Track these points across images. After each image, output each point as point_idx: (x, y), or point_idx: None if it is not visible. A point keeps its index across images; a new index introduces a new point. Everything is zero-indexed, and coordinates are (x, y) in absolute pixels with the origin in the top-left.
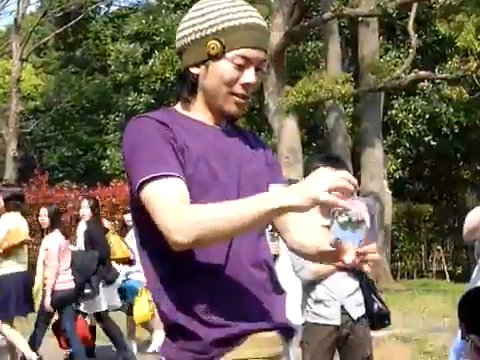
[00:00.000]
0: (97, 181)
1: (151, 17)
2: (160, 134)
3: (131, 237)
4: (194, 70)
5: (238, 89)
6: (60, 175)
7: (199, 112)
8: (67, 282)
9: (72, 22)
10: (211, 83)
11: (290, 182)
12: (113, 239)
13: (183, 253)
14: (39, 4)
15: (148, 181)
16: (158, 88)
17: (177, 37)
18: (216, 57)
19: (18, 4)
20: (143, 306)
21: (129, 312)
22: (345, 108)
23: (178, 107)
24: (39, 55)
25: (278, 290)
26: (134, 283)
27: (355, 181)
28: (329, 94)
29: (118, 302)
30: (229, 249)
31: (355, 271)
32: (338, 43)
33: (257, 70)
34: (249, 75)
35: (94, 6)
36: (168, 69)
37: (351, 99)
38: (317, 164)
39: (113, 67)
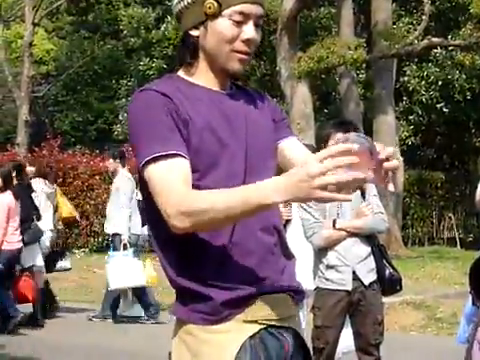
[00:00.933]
0: (109, 146)
1: None
2: (163, 108)
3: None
4: (194, 32)
5: (240, 46)
6: (72, 140)
7: (202, 76)
8: (15, 243)
9: None
10: (212, 42)
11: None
12: (59, 200)
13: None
14: None
15: (151, 160)
16: (170, 53)
17: (174, 2)
18: (214, 16)
19: None
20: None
21: None
22: (357, 74)
23: (181, 73)
24: (51, 19)
25: (288, 255)
26: None
27: (353, 147)
28: (341, 60)
29: (39, 262)
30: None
31: (367, 237)
32: (351, 9)
33: (257, 26)
34: (249, 30)
35: None
36: (180, 34)
37: (363, 65)
38: (330, 130)
39: (125, 32)
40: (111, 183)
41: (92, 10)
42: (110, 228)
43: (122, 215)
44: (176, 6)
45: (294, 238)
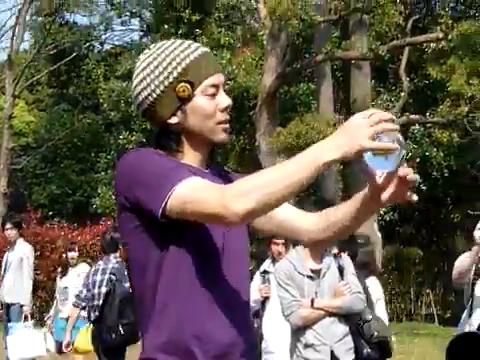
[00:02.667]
0: (87, 219)
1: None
2: (162, 156)
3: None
4: (172, 120)
5: (221, 117)
6: (50, 213)
7: (187, 157)
8: None
9: (65, 60)
10: (194, 123)
11: None
12: None
13: (174, 293)
14: (32, 41)
15: (172, 193)
16: (149, 127)
17: (138, 101)
18: (188, 98)
19: (12, 40)
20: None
21: None
22: None
23: (165, 153)
24: (32, 92)
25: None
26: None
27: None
28: (320, 136)
29: None
30: (220, 291)
31: (345, 316)
32: (330, 85)
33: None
34: (223, 99)
35: (88, 44)
36: (156, 128)
37: None
38: (308, 208)
39: (105, 105)
40: (89, 256)
41: (72, 83)
42: (8, 298)
43: (26, 285)
44: (143, 103)
45: (273, 316)
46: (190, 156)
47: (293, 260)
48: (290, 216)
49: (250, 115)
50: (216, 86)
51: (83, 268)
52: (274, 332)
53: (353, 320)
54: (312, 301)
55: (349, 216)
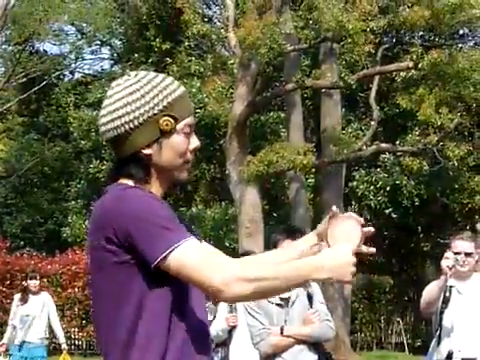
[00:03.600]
0: (57, 248)
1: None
2: (158, 204)
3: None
4: (147, 151)
5: (189, 156)
6: (21, 242)
7: (153, 188)
8: None
9: (35, 88)
10: (166, 158)
11: (247, 254)
12: None
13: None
14: (2, 69)
15: (172, 251)
16: None
17: (111, 126)
18: (169, 132)
19: None
20: None
21: None
22: (307, 179)
23: (131, 183)
24: (2, 120)
25: None
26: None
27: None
28: (290, 165)
29: None
30: (196, 325)
31: (314, 344)
32: (300, 114)
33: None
34: (195, 140)
35: (58, 73)
36: (125, 154)
37: (312, 170)
38: (278, 236)
39: (75, 134)
40: (59, 285)
41: (42, 112)
42: None
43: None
44: (119, 128)
45: (240, 344)
46: (155, 189)
47: None
48: None
49: (220, 144)
50: (191, 126)
51: (46, 297)
52: None
53: (322, 348)
54: (281, 329)
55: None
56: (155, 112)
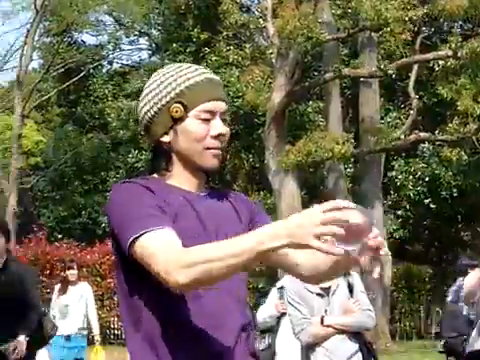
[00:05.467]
0: (94, 239)
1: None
2: (144, 194)
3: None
4: (165, 139)
5: (210, 142)
6: (59, 235)
7: (177, 179)
8: None
9: (74, 79)
10: (183, 144)
11: None
12: None
13: (166, 319)
14: (41, 61)
15: (139, 237)
16: None
17: (139, 117)
18: (181, 119)
19: (20, 60)
20: None
21: None
22: (345, 168)
23: (155, 175)
24: (41, 111)
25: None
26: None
27: (355, 220)
28: (329, 154)
29: None
30: (211, 317)
31: (354, 334)
32: (339, 103)
33: (223, 121)
34: (217, 126)
35: (96, 63)
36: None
37: (351, 159)
38: None
39: (113, 125)
40: (97, 275)
41: (80, 103)
42: None
43: None
44: (143, 120)
45: (287, 332)
46: (182, 179)
47: None
48: (284, 252)
49: (259, 133)
50: (211, 112)
51: (84, 287)
52: (287, 348)
53: (363, 338)
54: (322, 318)
55: (325, 261)
56: (167, 100)
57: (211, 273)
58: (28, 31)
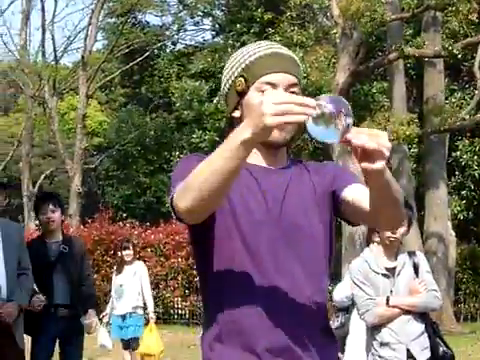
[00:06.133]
0: (159, 219)
1: (217, 55)
2: (192, 162)
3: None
4: (235, 114)
5: None
6: (124, 214)
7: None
8: None
9: (138, 60)
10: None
11: None
12: None
13: (227, 291)
14: (105, 41)
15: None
16: (223, 126)
17: (220, 93)
18: (244, 92)
19: (85, 41)
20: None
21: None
22: (409, 148)
23: None
24: (105, 92)
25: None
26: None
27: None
28: (394, 135)
29: None
30: (275, 289)
31: (420, 314)
32: (403, 83)
33: (292, 93)
34: (279, 96)
35: (160, 44)
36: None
37: (415, 140)
38: None
39: (177, 105)
40: (163, 255)
41: (145, 83)
42: None
43: None
44: (222, 95)
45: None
46: (252, 154)
47: (368, 258)
48: (357, 198)
49: None
50: (273, 84)
51: (139, 266)
52: (360, 328)
53: (428, 318)
54: (387, 299)
55: (373, 194)
56: (235, 76)
57: (203, 188)
58: (92, 12)
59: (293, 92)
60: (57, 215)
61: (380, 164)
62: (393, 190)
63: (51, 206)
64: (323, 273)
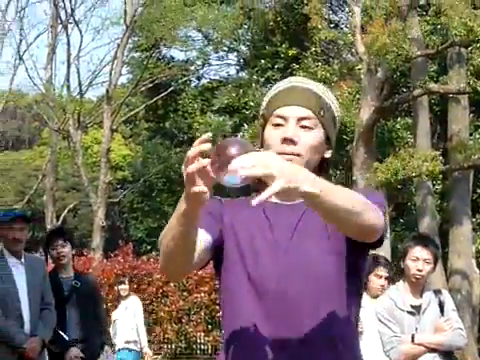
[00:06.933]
0: None
1: (241, 90)
2: (208, 207)
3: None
4: (261, 149)
5: (280, 147)
6: (148, 247)
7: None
8: None
9: (162, 94)
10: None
11: (375, 259)
12: None
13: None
14: (130, 76)
15: None
16: None
17: None
18: (263, 128)
19: (110, 75)
20: None
21: None
22: (434, 185)
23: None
24: (129, 126)
25: None
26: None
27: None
28: (417, 172)
29: None
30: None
31: (445, 353)
32: (428, 120)
33: (303, 127)
34: (285, 130)
35: (184, 79)
36: (257, 142)
37: (440, 176)
38: (408, 244)
39: None
40: (184, 290)
41: (169, 117)
42: None
43: None
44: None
45: (365, 351)
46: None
47: (393, 296)
48: None
49: (347, 149)
50: (284, 118)
51: (132, 301)
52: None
53: (452, 356)
54: (413, 337)
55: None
56: (261, 113)
57: (164, 248)
58: (118, 46)
59: (303, 126)
60: (67, 250)
61: (277, 185)
62: (334, 200)
63: (61, 241)
64: (338, 306)
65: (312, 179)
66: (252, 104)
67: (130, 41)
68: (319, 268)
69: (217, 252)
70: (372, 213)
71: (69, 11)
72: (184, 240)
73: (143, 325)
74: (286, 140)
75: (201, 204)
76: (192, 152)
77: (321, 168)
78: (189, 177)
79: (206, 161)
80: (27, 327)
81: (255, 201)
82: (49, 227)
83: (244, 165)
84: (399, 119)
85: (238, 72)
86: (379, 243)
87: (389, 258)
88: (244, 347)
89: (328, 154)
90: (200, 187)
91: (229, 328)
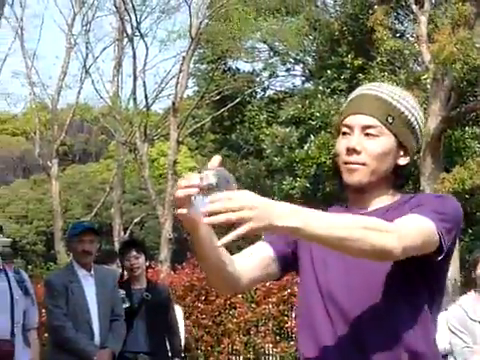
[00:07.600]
0: None
1: (307, 102)
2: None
3: None
4: None
5: (345, 157)
6: None
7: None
8: None
9: (228, 106)
10: None
11: None
12: None
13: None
14: (196, 88)
15: None
16: (313, 172)
17: None
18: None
19: (176, 87)
20: None
21: None
22: None
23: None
24: (195, 138)
25: None
26: None
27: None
28: None
29: None
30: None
31: None
32: None
33: (367, 135)
34: (349, 140)
35: (250, 90)
36: (324, 153)
37: None
38: (478, 254)
39: (268, 151)
40: (252, 302)
41: (235, 129)
42: None
43: None
44: None
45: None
46: (350, 197)
47: (465, 306)
48: None
49: (415, 160)
50: (349, 126)
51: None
52: None
53: None
54: None
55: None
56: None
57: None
58: (183, 58)
59: (368, 134)
60: (141, 261)
61: (243, 229)
62: (321, 231)
63: (134, 252)
64: (408, 321)
65: (290, 212)
66: (318, 115)
67: (196, 53)
68: (379, 279)
69: (296, 264)
70: (377, 235)
71: (135, 24)
72: (205, 262)
73: (182, 334)
74: (349, 150)
75: (194, 230)
76: (184, 182)
77: (396, 175)
78: (177, 201)
79: (194, 191)
80: (97, 339)
81: (219, 243)
82: (116, 240)
83: (214, 209)
84: (467, 128)
85: (304, 83)
86: (438, 253)
87: (457, 269)
88: None
89: (403, 161)
90: (183, 210)
91: (303, 345)
